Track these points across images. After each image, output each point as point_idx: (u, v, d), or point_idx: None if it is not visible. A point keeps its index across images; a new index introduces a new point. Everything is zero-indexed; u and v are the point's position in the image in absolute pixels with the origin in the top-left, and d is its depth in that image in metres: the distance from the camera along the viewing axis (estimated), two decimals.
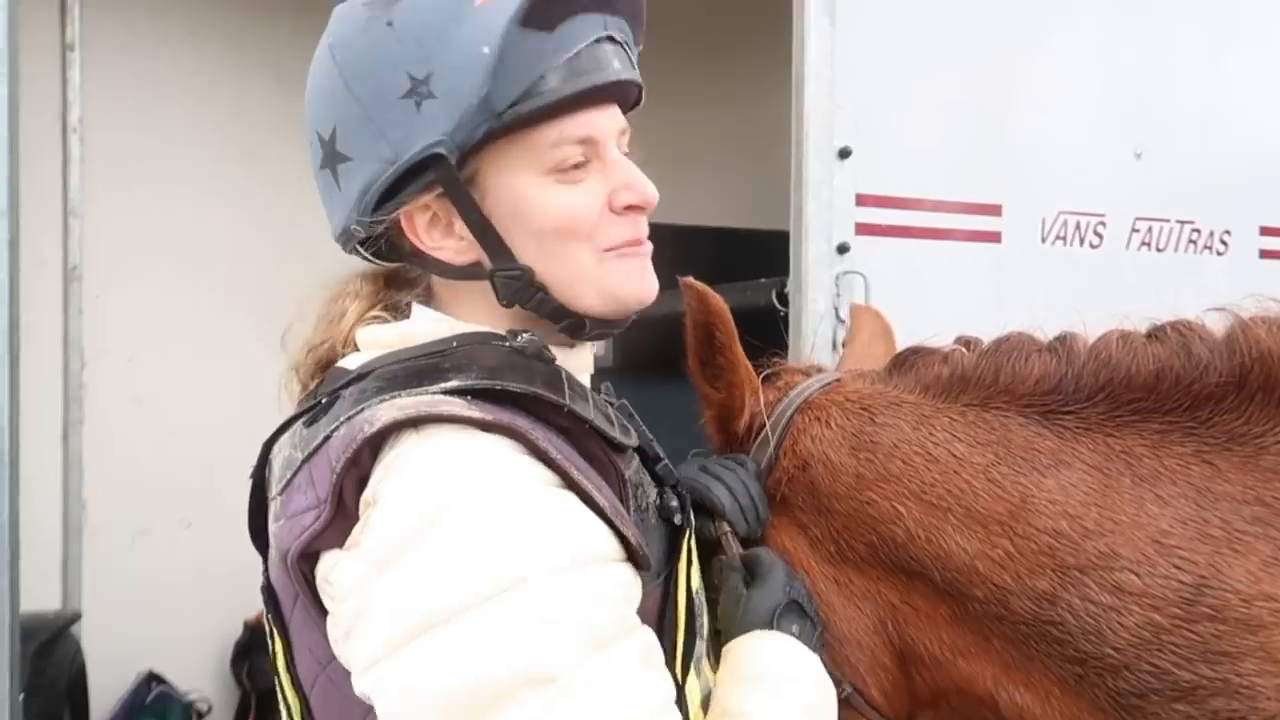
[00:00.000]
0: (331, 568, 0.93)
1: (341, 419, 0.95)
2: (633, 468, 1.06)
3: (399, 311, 1.12)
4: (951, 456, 1.18)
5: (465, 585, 0.86)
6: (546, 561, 0.88)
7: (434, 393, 0.95)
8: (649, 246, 1.11)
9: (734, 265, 3.44)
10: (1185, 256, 2.52)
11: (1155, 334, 1.15)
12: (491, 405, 0.95)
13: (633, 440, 1.08)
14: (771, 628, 1.09)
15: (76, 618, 3.21)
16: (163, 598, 3.36)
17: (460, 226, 1.05)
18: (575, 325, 1.09)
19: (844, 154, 2.12)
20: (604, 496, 0.97)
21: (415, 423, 0.92)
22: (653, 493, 1.08)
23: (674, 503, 1.09)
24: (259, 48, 3.58)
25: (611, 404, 1.12)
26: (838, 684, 1.11)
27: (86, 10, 3.32)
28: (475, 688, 0.84)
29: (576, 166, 1.04)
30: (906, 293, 2.16)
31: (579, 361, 1.13)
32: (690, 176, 4.27)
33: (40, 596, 3.17)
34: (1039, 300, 2.25)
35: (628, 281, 1.08)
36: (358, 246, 1.09)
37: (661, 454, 1.12)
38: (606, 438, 1.02)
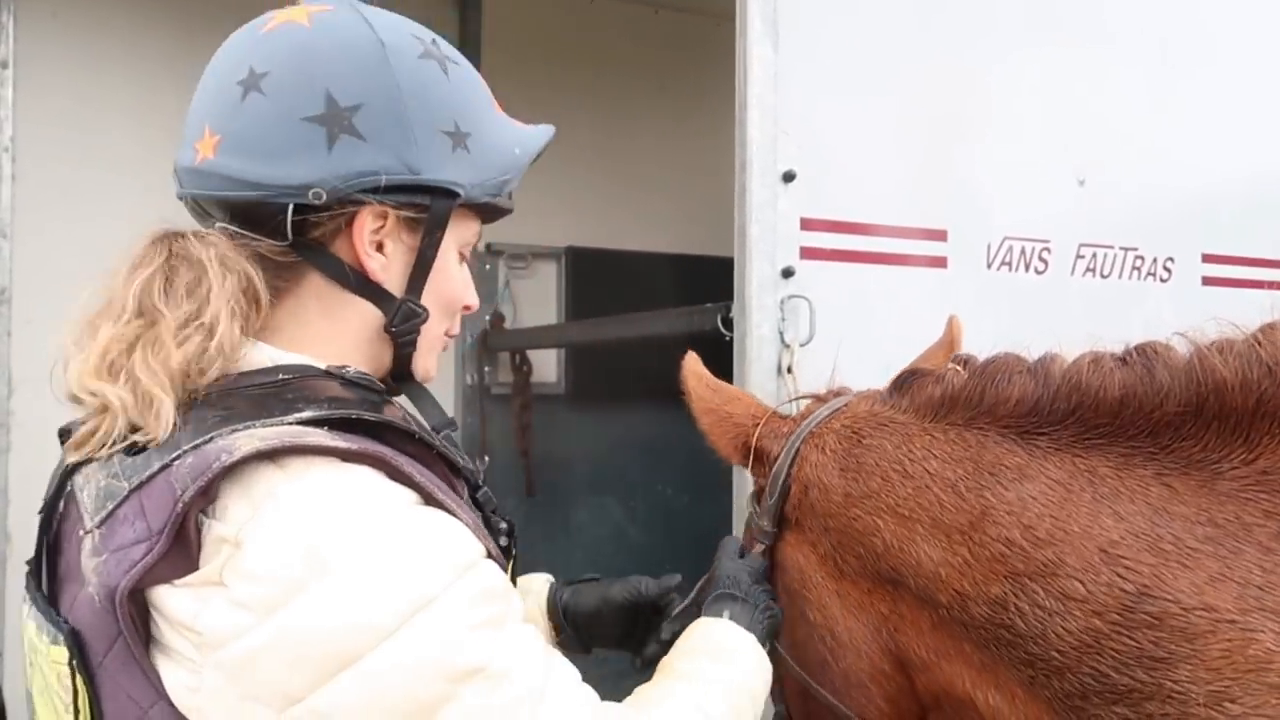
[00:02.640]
0: (195, 615, 0.90)
1: (184, 447, 0.94)
2: (466, 493, 1.15)
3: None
4: (925, 473, 1.26)
5: (379, 616, 0.91)
6: (442, 576, 0.96)
7: (290, 423, 0.97)
8: None
9: (682, 290, 3.42)
10: (1129, 283, 2.53)
11: (1126, 358, 1.18)
12: (350, 435, 1.00)
13: (472, 465, 1.17)
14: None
15: None
16: None
17: (394, 248, 1.15)
18: (400, 375, 1.21)
19: (788, 178, 2.10)
20: (464, 513, 1.06)
21: (275, 455, 0.94)
22: (479, 516, 1.15)
23: (503, 525, 1.20)
24: (201, 71, 3.50)
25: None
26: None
27: (21, 28, 3.25)
28: (417, 701, 0.91)
29: (462, 258, 1.23)
30: (853, 317, 2.14)
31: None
32: (641, 204, 4.26)
33: None
34: (985, 326, 2.23)
35: (435, 364, 1.25)
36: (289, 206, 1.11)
37: (481, 481, 1.21)
38: (449, 462, 1.10)
